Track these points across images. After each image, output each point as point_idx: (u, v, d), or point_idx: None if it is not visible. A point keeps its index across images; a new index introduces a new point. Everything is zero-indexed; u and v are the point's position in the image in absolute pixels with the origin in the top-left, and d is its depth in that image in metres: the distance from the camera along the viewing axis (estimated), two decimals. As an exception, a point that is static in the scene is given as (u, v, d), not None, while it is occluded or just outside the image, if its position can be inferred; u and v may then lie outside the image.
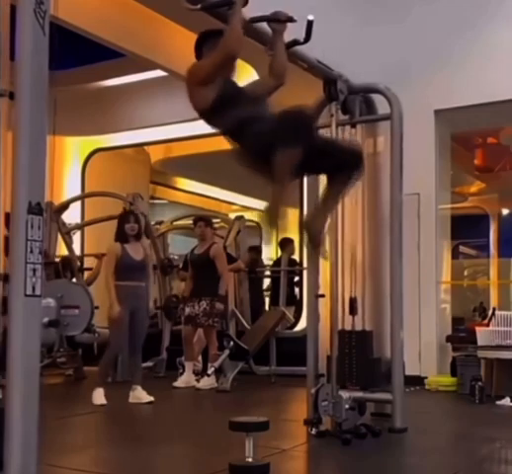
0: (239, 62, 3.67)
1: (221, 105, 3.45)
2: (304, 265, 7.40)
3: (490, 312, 7.32)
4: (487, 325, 6.98)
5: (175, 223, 10.32)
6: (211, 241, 7.48)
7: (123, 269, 6.22)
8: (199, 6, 3.48)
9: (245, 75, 6.14)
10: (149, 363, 8.23)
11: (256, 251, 10.17)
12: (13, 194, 2.30)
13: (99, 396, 6.01)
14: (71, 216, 9.29)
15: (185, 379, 7.22)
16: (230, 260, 7.96)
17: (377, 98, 5.25)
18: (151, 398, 6.14)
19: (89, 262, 9.27)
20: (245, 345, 7.40)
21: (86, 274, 8.99)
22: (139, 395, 6.16)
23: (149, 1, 6.27)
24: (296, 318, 9.06)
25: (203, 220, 7.55)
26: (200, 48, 3.64)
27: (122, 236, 6.35)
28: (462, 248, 14.28)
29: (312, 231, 3.70)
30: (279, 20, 3.67)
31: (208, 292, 7.18)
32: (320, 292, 5.04)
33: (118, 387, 7.26)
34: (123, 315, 6.07)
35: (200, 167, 11.77)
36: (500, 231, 13.52)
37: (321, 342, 5.06)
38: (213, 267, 7.26)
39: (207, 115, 3.54)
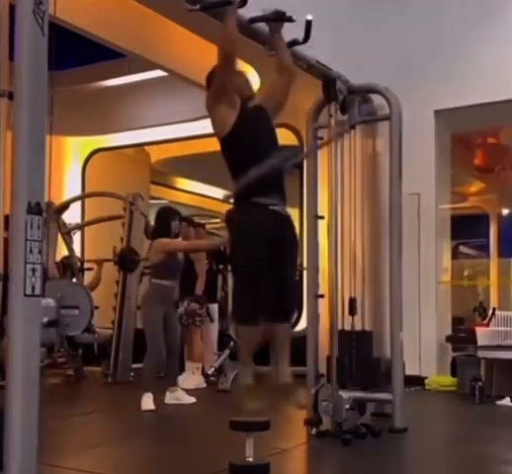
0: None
1: (240, 136, 3.47)
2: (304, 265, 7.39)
3: (490, 312, 7.32)
4: (487, 325, 6.98)
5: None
6: None
7: (165, 267, 5.94)
8: (198, 6, 3.48)
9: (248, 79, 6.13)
10: (143, 363, 8.22)
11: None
12: (13, 193, 2.30)
13: (147, 401, 5.73)
14: (71, 216, 9.29)
15: (194, 382, 7.16)
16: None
17: (376, 98, 5.26)
18: (193, 399, 6.12)
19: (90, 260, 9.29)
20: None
21: (87, 276, 8.97)
22: (180, 396, 6.11)
23: (149, 1, 6.27)
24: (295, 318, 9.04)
25: (185, 221, 7.53)
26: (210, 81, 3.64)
27: (166, 233, 5.99)
28: (462, 248, 14.27)
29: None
30: (278, 20, 3.67)
31: (189, 293, 7.15)
32: (320, 292, 5.04)
33: (117, 387, 7.28)
34: (157, 315, 5.84)
35: (200, 167, 11.76)
36: (500, 231, 13.50)
37: (321, 342, 5.06)
38: (194, 267, 7.22)
39: (226, 144, 3.55)
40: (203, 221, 9.70)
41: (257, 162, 3.44)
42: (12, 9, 2.37)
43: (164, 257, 5.94)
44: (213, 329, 7.66)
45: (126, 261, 7.85)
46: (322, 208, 5.08)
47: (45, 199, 2.37)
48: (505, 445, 4.60)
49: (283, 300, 3.57)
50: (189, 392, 6.29)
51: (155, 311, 5.85)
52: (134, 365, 7.65)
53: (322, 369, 4.96)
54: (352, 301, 5.07)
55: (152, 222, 8.53)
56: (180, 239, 6.39)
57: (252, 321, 3.45)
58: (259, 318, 3.43)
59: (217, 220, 11.51)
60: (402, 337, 4.96)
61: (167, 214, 6.17)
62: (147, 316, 5.98)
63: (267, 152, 3.52)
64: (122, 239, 8.08)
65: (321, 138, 5.16)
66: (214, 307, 7.69)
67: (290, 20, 3.68)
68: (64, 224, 8.77)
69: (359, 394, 4.88)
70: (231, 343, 7.26)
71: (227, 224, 3.62)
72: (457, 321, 8.41)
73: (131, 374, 7.58)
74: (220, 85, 3.44)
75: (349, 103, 4.97)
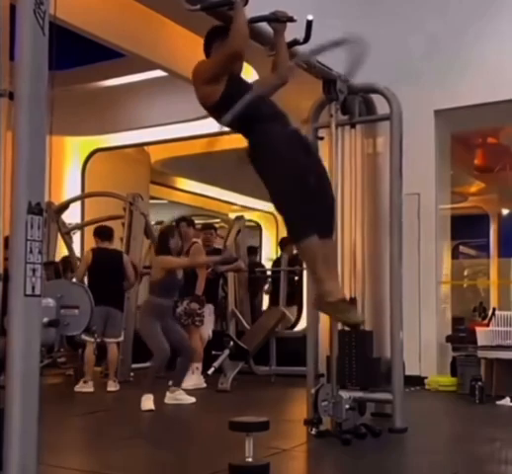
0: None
1: (230, 100, 3.44)
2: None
3: (490, 312, 7.31)
4: (487, 325, 6.98)
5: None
6: (191, 241, 7.42)
7: (164, 285, 6.06)
8: (198, 6, 3.48)
9: (246, 75, 6.13)
10: (149, 363, 8.22)
11: (253, 252, 10.25)
12: (13, 194, 2.30)
13: (147, 401, 5.76)
14: (71, 216, 9.30)
15: (194, 382, 7.16)
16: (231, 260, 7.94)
17: (376, 98, 5.26)
18: (193, 399, 6.14)
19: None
20: (245, 345, 7.39)
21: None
22: (180, 396, 6.13)
23: (149, 1, 6.27)
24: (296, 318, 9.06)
25: (185, 221, 7.53)
26: (209, 45, 3.63)
27: (166, 250, 6.14)
28: (462, 248, 14.27)
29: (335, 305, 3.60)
30: (279, 20, 3.67)
31: (189, 292, 7.15)
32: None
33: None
34: (154, 326, 5.93)
35: (200, 167, 11.77)
36: (500, 231, 13.51)
37: (321, 342, 5.06)
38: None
39: (215, 111, 3.54)
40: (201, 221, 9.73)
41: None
42: (12, 9, 2.37)
43: (164, 274, 6.06)
44: (207, 325, 7.63)
45: None
46: (322, 208, 5.08)
47: (46, 199, 2.37)
48: (505, 445, 4.60)
49: (327, 212, 3.59)
50: (189, 392, 6.29)
51: (151, 324, 5.97)
52: (134, 365, 7.66)
53: (322, 369, 4.96)
54: (352, 301, 5.07)
55: (155, 224, 8.55)
56: (182, 257, 6.56)
57: (310, 233, 3.41)
58: (314, 229, 3.40)
59: (217, 220, 11.51)
60: (402, 337, 4.96)
61: (166, 232, 6.38)
62: (144, 328, 6.15)
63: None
64: (121, 239, 8.08)
65: (321, 138, 5.16)
66: (210, 307, 7.66)
67: (291, 20, 3.68)
68: (64, 224, 8.77)
69: (359, 394, 4.88)
70: (231, 343, 7.26)
71: (252, 154, 3.55)
72: (457, 321, 8.41)
73: (131, 374, 7.58)
74: (219, 76, 3.43)
75: (349, 102, 4.97)
